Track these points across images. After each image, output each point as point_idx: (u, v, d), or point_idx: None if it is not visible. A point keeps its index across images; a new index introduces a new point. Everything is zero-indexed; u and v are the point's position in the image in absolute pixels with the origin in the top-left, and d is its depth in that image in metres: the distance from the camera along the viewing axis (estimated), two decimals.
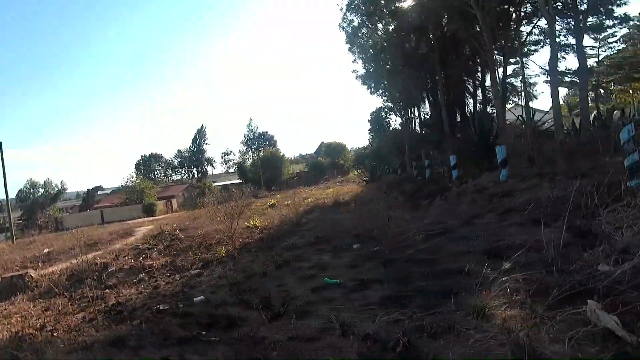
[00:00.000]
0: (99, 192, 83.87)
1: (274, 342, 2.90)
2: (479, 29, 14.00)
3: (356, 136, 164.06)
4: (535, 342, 2.18)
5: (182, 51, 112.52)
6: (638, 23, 19.23)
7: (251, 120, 78.55)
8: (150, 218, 34.48)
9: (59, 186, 67.34)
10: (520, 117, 16.28)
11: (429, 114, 24.04)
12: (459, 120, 19.40)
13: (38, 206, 43.82)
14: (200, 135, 75.62)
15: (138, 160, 69.99)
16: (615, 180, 4.58)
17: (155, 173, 70.02)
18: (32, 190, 55.96)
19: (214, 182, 50.07)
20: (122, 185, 50.07)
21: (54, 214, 45.24)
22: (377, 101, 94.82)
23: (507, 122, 15.36)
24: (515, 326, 2.40)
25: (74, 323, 4.63)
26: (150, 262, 7.80)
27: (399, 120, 59.27)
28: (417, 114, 24.63)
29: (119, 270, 7.70)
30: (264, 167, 43.11)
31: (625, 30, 19.16)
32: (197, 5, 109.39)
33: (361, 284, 4.11)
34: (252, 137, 78.13)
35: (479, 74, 19.06)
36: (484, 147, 11.55)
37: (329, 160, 50.31)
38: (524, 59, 17.29)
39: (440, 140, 15.82)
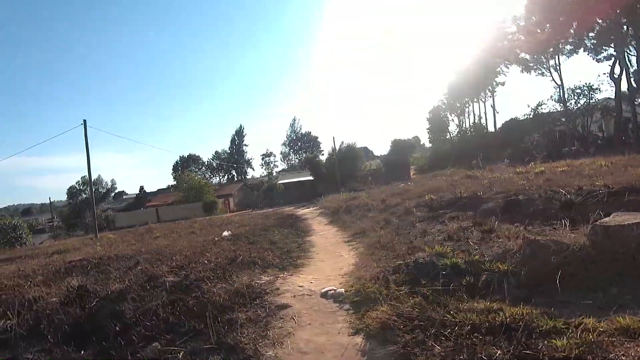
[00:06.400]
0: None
1: None
2: None
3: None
4: None
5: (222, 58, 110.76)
6: None
7: (294, 120, 73.78)
8: (226, 215, 29.89)
9: (109, 184, 64.17)
10: None
11: None
12: None
13: (87, 205, 39.41)
14: (239, 137, 71.24)
15: (176, 162, 65.80)
16: None
17: (194, 175, 65.56)
18: (82, 188, 51.73)
19: (277, 180, 45.48)
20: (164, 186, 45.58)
21: (101, 213, 40.86)
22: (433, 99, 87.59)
23: None
24: None
25: None
26: None
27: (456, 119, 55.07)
28: None
29: None
30: (341, 162, 38.53)
31: None
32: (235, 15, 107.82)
33: None
34: (294, 137, 73.43)
35: None
36: None
37: (397, 158, 45.89)
38: None
39: None
